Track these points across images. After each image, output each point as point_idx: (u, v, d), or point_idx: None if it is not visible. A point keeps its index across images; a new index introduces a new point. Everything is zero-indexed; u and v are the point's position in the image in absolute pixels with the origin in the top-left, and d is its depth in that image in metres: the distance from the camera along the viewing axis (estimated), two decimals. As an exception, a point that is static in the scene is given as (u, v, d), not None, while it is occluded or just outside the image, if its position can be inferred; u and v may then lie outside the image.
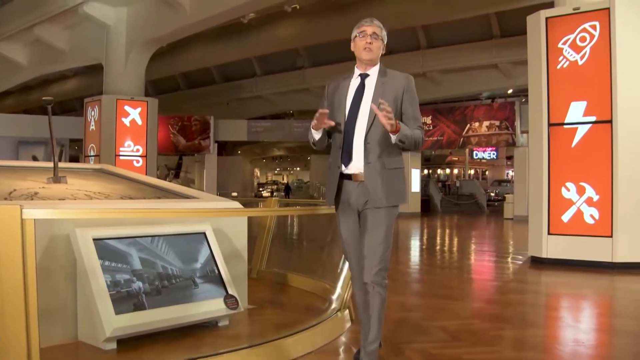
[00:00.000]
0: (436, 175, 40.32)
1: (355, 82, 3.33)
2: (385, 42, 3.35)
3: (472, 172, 41.20)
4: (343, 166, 3.23)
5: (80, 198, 4.57)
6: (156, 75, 23.26)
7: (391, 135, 3.09)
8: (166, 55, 21.97)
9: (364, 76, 3.32)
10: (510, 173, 38.14)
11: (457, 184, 30.36)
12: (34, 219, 2.67)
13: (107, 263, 3.81)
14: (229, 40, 21.89)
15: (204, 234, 4.55)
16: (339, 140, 3.27)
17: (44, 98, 5.21)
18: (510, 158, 37.37)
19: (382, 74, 3.31)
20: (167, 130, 23.61)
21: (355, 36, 3.31)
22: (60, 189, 4.83)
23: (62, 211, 3.06)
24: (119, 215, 3.63)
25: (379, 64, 3.34)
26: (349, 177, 3.24)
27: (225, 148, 32.47)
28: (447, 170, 42.54)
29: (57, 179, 5.09)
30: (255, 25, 19.82)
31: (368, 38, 3.25)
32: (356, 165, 3.21)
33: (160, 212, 3.93)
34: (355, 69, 3.37)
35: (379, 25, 3.30)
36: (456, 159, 40.37)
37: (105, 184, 5.45)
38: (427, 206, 24.08)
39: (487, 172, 43.12)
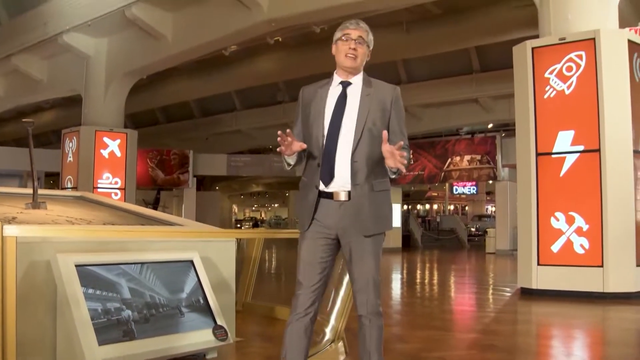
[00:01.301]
0: (416, 211, 40.37)
1: (335, 90, 2.93)
2: (372, 47, 2.98)
3: (451, 207, 41.33)
4: (322, 184, 2.84)
5: (61, 224, 4.35)
6: (134, 109, 23.03)
7: (390, 169, 2.79)
8: (145, 89, 21.79)
9: (345, 84, 2.93)
10: (490, 208, 38.34)
11: (438, 219, 30.41)
12: (16, 237, 2.47)
13: (90, 291, 3.59)
14: (208, 74, 21.83)
15: (192, 262, 4.34)
16: (315, 156, 2.88)
17: (23, 120, 5.01)
18: (489, 193, 37.59)
19: (366, 83, 2.95)
20: (145, 164, 23.31)
21: (338, 39, 2.94)
22: (40, 215, 4.61)
23: (47, 228, 2.85)
24: (106, 234, 3.42)
25: (362, 72, 2.98)
26: (329, 195, 2.85)
27: (203, 183, 32.16)
28: (427, 206, 42.65)
29: (36, 204, 4.85)
30: (235, 59, 19.78)
31: (352, 43, 2.88)
32: (339, 184, 2.82)
33: (149, 232, 3.73)
34: (335, 75, 2.98)
35: (365, 29, 2.94)
36: (436, 194, 40.53)
37: (86, 211, 5.23)
38: (407, 241, 23.99)
39: (466, 208, 43.29)
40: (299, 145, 2.81)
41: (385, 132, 2.73)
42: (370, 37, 2.96)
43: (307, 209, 2.88)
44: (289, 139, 2.78)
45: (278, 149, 2.85)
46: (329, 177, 2.83)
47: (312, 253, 2.87)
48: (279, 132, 2.77)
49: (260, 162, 26.97)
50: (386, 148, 2.70)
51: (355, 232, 2.83)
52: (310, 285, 2.86)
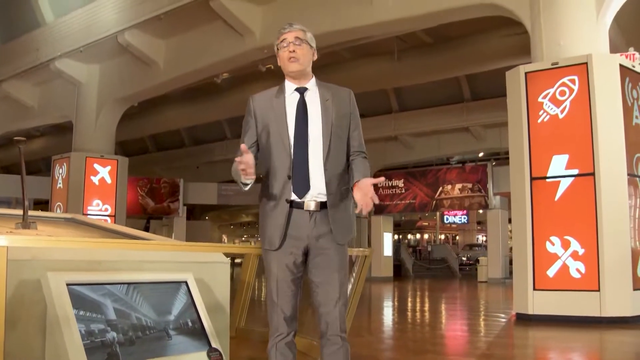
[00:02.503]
0: (407, 241, 40.23)
1: (292, 98, 2.81)
2: (315, 46, 2.86)
3: (442, 237, 41.24)
4: (294, 196, 2.72)
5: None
6: (124, 137, 22.98)
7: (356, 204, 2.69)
8: (135, 117, 21.74)
9: (302, 90, 2.82)
10: (481, 238, 38.29)
11: (429, 249, 30.29)
12: (7, 247, 2.38)
13: (80, 312, 3.47)
14: (199, 102, 21.81)
15: (186, 283, 4.23)
16: (283, 168, 2.74)
17: (15, 138, 4.91)
18: (480, 223, 37.58)
19: (323, 87, 2.85)
20: (135, 192, 23.18)
21: (277, 48, 2.83)
22: (31, 235, 4.49)
23: (39, 239, 2.76)
24: (103, 246, 3.33)
25: (313, 76, 2.88)
26: (300, 205, 2.73)
27: (193, 213, 31.98)
28: (418, 236, 42.52)
29: (26, 224, 4.73)
30: (226, 87, 19.80)
31: (290, 46, 2.76)
32: (313, 194, 2.72)
33: (146, 244, 3.65)
34: (287, 82, 2.85)
35: (301, 28, 2.82)
36: (426, 224, 40.43)
37: (78, 232, 5.12)
38: (398, 271, 23.84)
39: (457, 237, 43.23)
40: (252, 159, 2.64)
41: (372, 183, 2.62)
42: (309, 35, 2.85)
43: (277, 224, 2.75)
44: (246, 156, 2.61)
45: (241, 173, 2.64)
46: (304, 188, 2.73)
47: (284, 270, 2.76)
48: (238, 160, 2.59)
49: (251, 191, 26.74)
50: (359, 195, 2.60)
51: (327, 242, 2.73)
52: (288, 303, 2.76)
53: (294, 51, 2.76)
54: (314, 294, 2.77)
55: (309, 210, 2.73)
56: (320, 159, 2.74)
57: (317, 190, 2.73)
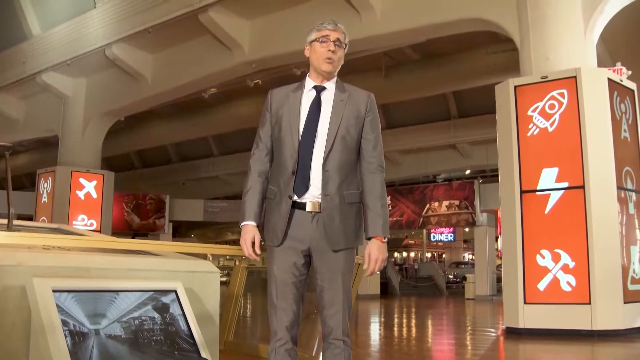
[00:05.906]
0: (393, 259, 40.11)
1: (309, 95, 2.77)
2: (346, 51, 2.85)
3: (429, 255, 41.20)
4: (295, 195, 2.68)
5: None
6: (110, 153, 22.81)
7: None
8: (121, 133, 21.61)
9: (319, 89, 2.76)
10: (467, 256, 38.29)
11: (416, 267, 30.22)
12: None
13: (66, 319, 3.37)
14: (186, 118, 21.75)
15: (175, 292, 4.14)
16: (289, 164, 2.70)
17: (1, 144, 4.81)
18: (466, 241, 37.60)
19: (340, 88, 2.78)
20: (121, 208, 22.97)
21: (314, 40, 2.75)
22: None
23: (23, 235, 2.67)
24: (93, 244, 3.25)
25: (336, 76, 2.80)
26: (302, 206, 2.68)
27: (178, 230, 31.74)
28: (404, 254, 42.43)
29: (11, 230, 4.62)
30: (213, 103, 19.77)
31: (331, 45, 2.70)
32: (312, 194, 2.67)
33: (139, 243, 3.57)
34: (308, 79, 2.81)
35: (343, 31, 2.76)
36: (413, 242, 40.41)
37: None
38: (385, 289, 23.72)
39: (444, 255, 43.19)
40: (257, 240, 2.72)
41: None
42: (347, 39, 2.81)
43: (279, 221, 2.69)
44: (257, 249, 2.72)
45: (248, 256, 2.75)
46: (304, 187, 2.68)
47: (286, 271, 2.69)
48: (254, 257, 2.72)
49: (237, 208, 26.61)
50: (370, 258, 2.69)
51: (326, 247, 2.67)
52: (288, 307, 2.68)
53: (334, 52, 2.71)
54: (319, 297, 2.71)
55: (311, 212, 2.68)
56: (321, 159, 2.68)
57: (317, 190, 2.67)
